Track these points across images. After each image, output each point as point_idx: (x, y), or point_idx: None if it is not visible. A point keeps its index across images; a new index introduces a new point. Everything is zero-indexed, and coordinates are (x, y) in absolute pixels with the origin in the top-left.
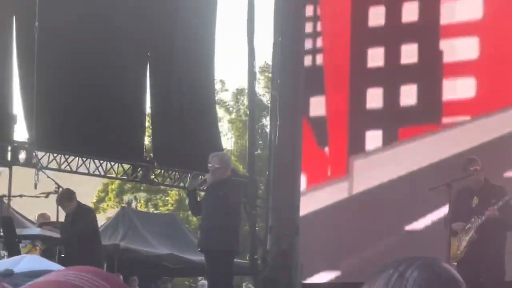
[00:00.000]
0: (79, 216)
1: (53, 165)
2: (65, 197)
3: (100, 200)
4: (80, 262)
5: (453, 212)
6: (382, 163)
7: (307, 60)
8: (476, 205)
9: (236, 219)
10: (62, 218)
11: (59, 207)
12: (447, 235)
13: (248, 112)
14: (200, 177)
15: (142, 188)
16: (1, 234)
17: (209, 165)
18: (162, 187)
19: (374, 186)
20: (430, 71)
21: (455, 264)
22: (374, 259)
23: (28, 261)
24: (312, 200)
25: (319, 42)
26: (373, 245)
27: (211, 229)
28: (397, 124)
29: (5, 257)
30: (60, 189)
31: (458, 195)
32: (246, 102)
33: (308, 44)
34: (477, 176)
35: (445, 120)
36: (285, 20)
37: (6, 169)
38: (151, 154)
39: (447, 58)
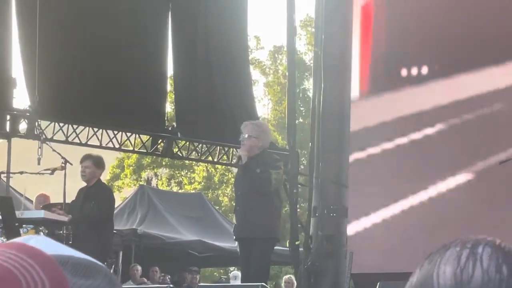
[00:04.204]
0: (93, 195)
1: (59, 136)
2: (93, 159)
3: (115, 177)
4: (87, 249)
5: None
6: None
7: None
8: None
9: (276, 201)
10: (70, 198)
11: (81, 164)
12: None
13: (287, 74)
14: (235, 150)
15: (163, 163)
16: None
17: (245, 134)
18: (187, 161)
19: None
20: None
21: None
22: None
23: (37, 243)
24: None
25: None
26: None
27: (247, 213)
28: None
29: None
30: (68, 164)
31: None
32: (285, 61)
33: None
34: None
35: None
36: None
37: (5, 142)
38: (174, 123)
39: None
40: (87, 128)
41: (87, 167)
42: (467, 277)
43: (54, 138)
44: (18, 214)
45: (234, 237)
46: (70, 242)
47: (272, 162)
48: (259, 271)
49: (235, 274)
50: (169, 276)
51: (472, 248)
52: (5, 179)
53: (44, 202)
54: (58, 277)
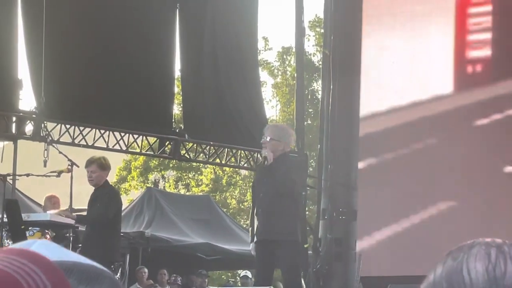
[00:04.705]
0: (99, 197)
1: (66, 138)
2: (98, 163)
3: (122, 179)
4: (94, 251)
5: None
6: None
7: None
8: None
9: (298, 202)
10: (76, 200)
11: (86, 169)
12: None
13: (296, 75)
14: (243, 152)
15: (171, 165)
16: (5, 220)
17: (267, 137)
18: (194, 163)
19: None
20: None
21: None
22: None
23: (39, 247)
24: None
25: None
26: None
27: (271, 214)
28: None
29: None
30: (74, 166)
31: None
32: (293, 62)
33: None
34: None
35: None
36: None
37: (11, 144)
38: (182, 125)
39: None
40: (94, 129)
41: (93, 171)
42: (500, 273)
43: (61, 140)
44: (24, 216)
45: (255, 239)
46: (80, 245)
47: (295, 164)
48: (294, 276)
49: (246, 275)
50: (180, 277)
51: (499, 247)
52: (11, 181)
53: (54, 204)
54: (61, 282)
